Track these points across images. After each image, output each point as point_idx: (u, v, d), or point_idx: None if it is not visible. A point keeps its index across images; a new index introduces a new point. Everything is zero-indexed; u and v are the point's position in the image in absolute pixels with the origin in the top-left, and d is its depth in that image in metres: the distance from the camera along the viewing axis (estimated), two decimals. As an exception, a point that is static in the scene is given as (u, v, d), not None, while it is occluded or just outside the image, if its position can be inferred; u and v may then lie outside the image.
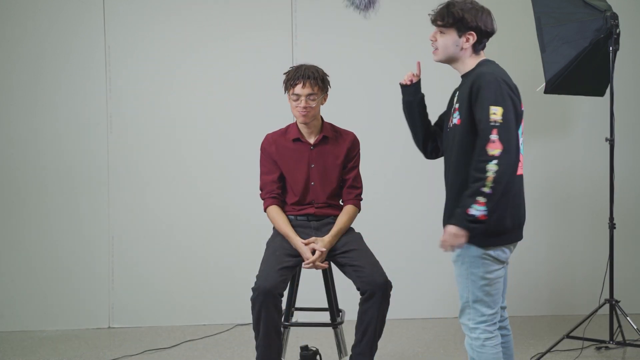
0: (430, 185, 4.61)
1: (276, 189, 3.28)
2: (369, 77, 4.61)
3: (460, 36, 2.59)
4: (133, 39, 4.51)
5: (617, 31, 3.58)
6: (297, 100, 3.15)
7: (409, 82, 2.89)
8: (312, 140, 3.26)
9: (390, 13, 4.48)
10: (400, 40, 4.59)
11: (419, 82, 2.89)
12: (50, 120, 4.48)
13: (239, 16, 4.56)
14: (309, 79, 3.13)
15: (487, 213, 2.41)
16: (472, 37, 2.59)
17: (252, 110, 4.55)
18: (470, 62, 2.62)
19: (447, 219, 2.54)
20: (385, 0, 4.41)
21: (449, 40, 2.61)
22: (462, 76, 2.65)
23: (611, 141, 3.71)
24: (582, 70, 3.69)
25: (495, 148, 2.40)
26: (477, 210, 2.40)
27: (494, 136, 2.40)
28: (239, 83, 4.56)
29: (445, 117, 2.77)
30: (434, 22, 2.65)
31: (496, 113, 2.43)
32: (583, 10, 3.63)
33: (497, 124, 2.41)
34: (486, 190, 2.39)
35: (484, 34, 2.61)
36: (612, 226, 3.75)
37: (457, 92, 2.64)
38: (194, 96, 4.56)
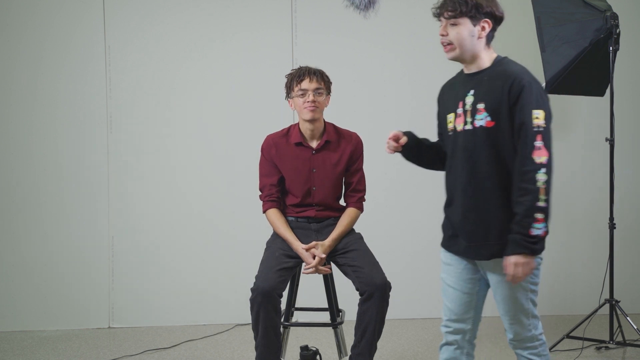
0: (431, 186, 4.62)
1: (275, 192, 3.27)
2: (369, 77, 4.61)
3: (475, 25, 2.36)
4: (133, 39, 4.52)
5: (617, 31, 3.58)
6: (304, 95, 3.14)
7: (394, 151, 2.57)
8: (314, 145, 3.24)
9: (390, 13, 4.49)
10: (400, 40, 4.60)
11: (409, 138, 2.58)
12: (50, 120, 4.48)
13: (239, 16, 4.56)
14: (315, 74, 3.17)
15: (547, 229, 2.22)
16: (488, 25, 2.38)
17: (252, 110, 4.55)
18: (486, 57, 2.42)
19: (484, 241, 2.35)
20: (385, 0, 4.41)
21: (464, 31, 2.36)
22: (476, 74, 2.42)
23: (611, 141, 3.71)
24: (582, 70, 3.69)
25: (541, 155, 2.23)
26: (539, 228, 2.20)
27: (539, 142, 2.23)
28: (239, 83, 4.56)
29: (442, 118, 2.55)
30: (441, 13, 2.39)
31: (539, 117, 2.26)
32: (583, 10, 3.63)
33: (541, 129, 2.24)
34: (541, 204, 2.20)
35: (497, 21, 2.41)
36: (612, 226, 3.75)
37: (474, 91, 2.39)
38: (194, 96, 4.56)
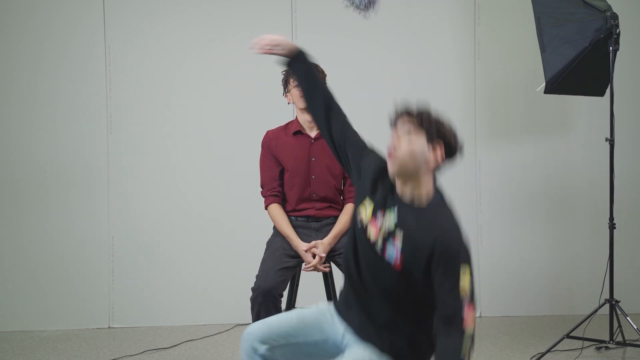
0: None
1: (277, 187, 3.28)
2: (369, 77, 4.60)
3: (428, 143, 2.12)
4: (133, 39, 4.51)
5: (617, 31, 3.58)
6: None
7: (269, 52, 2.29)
8: (313, 134, 3.27)
9: (390, 13, 4.48)
10: (400, 40, 4.59)
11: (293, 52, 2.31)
12: (50, 120, 4.48)
13: (239, 16, 4.56)
14: None
15: None
16: (440, 151, 2.12)
17: (252, 110, 4.55)
18: (426, 187, 2.14)
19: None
20: (385, 0, 4.41)
21: (418, 145, 2.11)
22: (409, 204, 2.14)
23: (611, 141, 3.71)
24: (582, 70, 3.69)
25: (469, 324, 2.02)
26: None
27: (466, 312, 2.01)
28: (239, 83, 4.56)
29: (362, 186, 2.27)
30: (399, 119, 2.16)
31: (465, 286, 2.03)
32: (583, 10, 3.63)
33: (467, 297, 2.03)
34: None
35: (449, 153, 2.16)
36: (612, 226, 3.74)
37: (398, 211, 2.14)
38: (194, 96, 4.56)
